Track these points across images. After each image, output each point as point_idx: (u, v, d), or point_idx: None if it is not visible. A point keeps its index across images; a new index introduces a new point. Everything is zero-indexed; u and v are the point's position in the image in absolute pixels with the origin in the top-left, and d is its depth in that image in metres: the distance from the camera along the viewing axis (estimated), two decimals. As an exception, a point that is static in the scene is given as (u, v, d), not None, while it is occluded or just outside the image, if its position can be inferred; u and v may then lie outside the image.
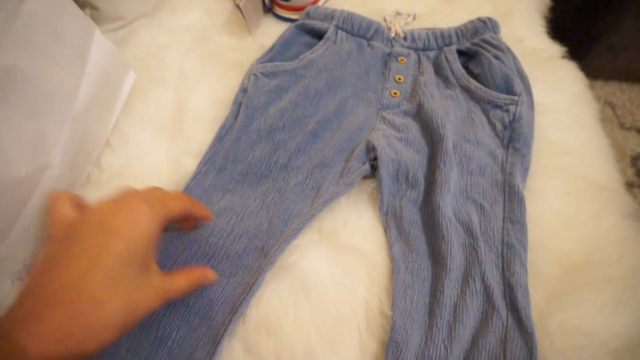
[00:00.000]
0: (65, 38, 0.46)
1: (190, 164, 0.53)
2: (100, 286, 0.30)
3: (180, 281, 0.37)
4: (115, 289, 0.31)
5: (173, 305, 0.43)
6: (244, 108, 0.55)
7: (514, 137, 0.53)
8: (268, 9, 0.70)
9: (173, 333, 0.41)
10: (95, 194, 0.50)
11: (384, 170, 0.50)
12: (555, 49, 0.66)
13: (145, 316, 0.33)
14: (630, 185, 1.17)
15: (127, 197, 0.34)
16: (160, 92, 0.59)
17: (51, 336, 0.28)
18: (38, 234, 0.43)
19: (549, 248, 0.46)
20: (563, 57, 0.65)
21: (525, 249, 0.45)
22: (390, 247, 0.47)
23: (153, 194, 0.36)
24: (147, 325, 0.42)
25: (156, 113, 0.57)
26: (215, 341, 0.41)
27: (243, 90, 0.57)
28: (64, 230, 0.33)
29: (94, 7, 0.64)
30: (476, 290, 0.43)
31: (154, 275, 0.35)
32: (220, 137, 0.54)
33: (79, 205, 0.36)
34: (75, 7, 0.49)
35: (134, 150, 0.54)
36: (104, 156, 0.53)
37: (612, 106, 1.31)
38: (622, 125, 1.28)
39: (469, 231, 0.47)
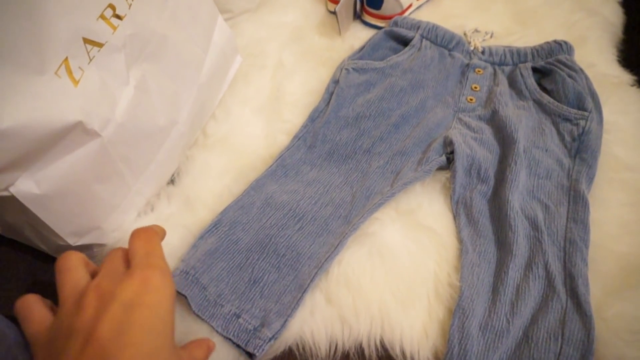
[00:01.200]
0: (200, 18, 0.54)
1: (284, 140, 0.59)
2: None
3: (200, 354, 0.36)
4: None
5: (266, 253, 0.49)
6: (335, 96, 0.62)
7: (581, 148, 0.57)
8: (358, 16, 0.77)
9: (265, 276, 0.48)
10: (202, 154, 0.57)
11: (459, 163, 0.55)
12: (625, 77, 0.69)
13: None
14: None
15: (133, 269, 0.31)
16: (260, 77, 0.67)
17: None
18: (161, 179, 0.51)
19: (609, 249, 0.50)
20: (632, 85, 0.69)
21: (587, 246, 0.49)
22: (459, 231, 0.52)
23: (147, 255, 0.33)
24: (243, 267, 0.48)
25: (256, 94, 0.65)
26: (302, 289, 0.47)
27: (335, 81, 0.64)
28: (75, 301, 0.30)
29: (209, -1, 0.72)
30: (539, 275, 0.47)
31: (181, 351, 0.34)
32: (312, 118, 0.61)
33: (90, 268, 0.35)
34: (207, -5, 0.57)
35: (235, 122, 0.61)
36: (209, 125, 0.61)
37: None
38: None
39: (534, 224, 0.51)
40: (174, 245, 0.48)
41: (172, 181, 0.55)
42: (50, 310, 0.32)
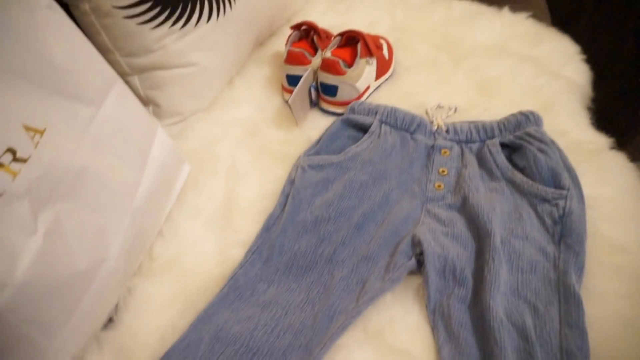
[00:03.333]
0: (132, 137, 0.51)
1: (237, 255, 0.54)
2: None
3: None
4: None
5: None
6: (291, 199, 0.57)
7: (565, 232, 0.52)
8: (315, 104, 0.74)
9: None
10: (145, 284, 0.52)
11: (431, 265, 0.50)
12: (601, 140, 0.65)
13: None
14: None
15: None
16: (211, 183, 0.62)
17: None
18: (90, 328, 0.45)
19: (612, 357, 0.43)
20: (611, 148, 0.65)
21: (587, 357, 0.42)
22: (439, 349, 0.46)
23: None
24: None
25: (207, 204, 0.60)
26: None
27: (290, 182, 0.60)
28: None
29: (156, 105, 0.69)
30: (535, 403, 0.40)
31: None
32: (267, 227, 0.56)
33: None
34: (142, 109, 0.54)
35: (184, 240, 0.56)
36: (156, 246, 0.56)
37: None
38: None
39: (523, 334, 0.44)
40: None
41: (110, 320, 0.49)
42: None
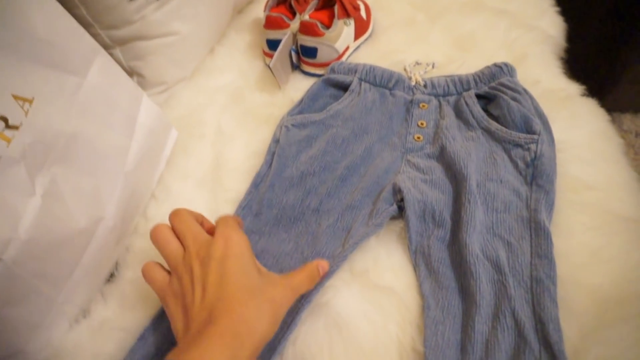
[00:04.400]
0: (118, 105, 0.52)
1: (228, 211, 0.57)
2: (241, 294, 0.37)
3: (300, 276, 0.43)
4: (252, 292, 0.38)
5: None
6: (277, 157, 0.59)
7: (536, 174, 0.54)
8: (296, 67, 0.76)
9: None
10: (141, 241, 0.54)
11: (411, 210, 0.53)
12: (573, 88, 0.68)
13: (285, 309, 0.40)
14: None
15: (216, 234, 0.41)
16: (199, 147, 0.64)
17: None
18: (94, 281, 0.48)
19: (579, 283, 0.47)
20: (582, 95, 0.67)
21: (554, 283, 0.46)
22: (420, 284, 0.49)
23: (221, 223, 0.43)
24: None
25: (196, 166, 0.62)
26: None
27: (275, 141, 0.62)
28: (183, 267, 0.40)
29: (140, 75, 0.71)
30: (507, 326, 0.44)
31: (272, 276, 0.43)
32: (256, 184, 0.58)
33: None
34: (126, 77, 0.55)
35: (177, 200, 0.59)
36: (150, 207, 0.58)
37: (645, 137, 1.30)
38: (657, 157, 1.26)
39: (497, 267, 0.48)
40: (110, 354, 0.44)
41: (112, 276, 0.52)
42: (167, 272, 0.43)
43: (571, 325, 0.44)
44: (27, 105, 0.41)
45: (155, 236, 0.43)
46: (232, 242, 0.40)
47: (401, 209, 0.54)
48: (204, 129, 0.67)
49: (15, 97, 0.40)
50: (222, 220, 0.44)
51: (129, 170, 0.52)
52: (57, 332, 0.44)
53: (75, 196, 0.44)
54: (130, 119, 0.54)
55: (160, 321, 0.46)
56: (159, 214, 0.57)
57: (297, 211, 0.55)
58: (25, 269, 0.38)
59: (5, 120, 0.39)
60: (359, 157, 0.59)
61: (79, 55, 0.48)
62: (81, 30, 0.50)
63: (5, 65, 0.40)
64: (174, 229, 0.43)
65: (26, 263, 0.38)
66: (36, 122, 0.41)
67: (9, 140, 0.39)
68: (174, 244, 0.42)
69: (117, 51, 0.69)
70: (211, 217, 0.56)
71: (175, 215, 0.44)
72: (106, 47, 0.67)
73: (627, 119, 1.34)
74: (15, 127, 0.40)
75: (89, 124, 0.47)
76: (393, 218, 0.54)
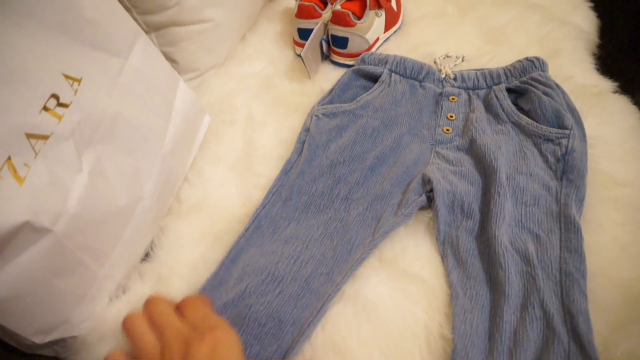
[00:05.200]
0: (157, 88, 0.54)
1: (259, 196, 0.58)
2: None
3: None
4: None
5: (246, 325, 0.46)
6: (307, 145, 0.60)
7: (567, 169, 0.55)
8: (326, 57, 0.76)
9: (247, 350, 0.45)
10: (175, 223, 0.56)
11: (440, 201, 0.53)
12: (605, 84, 0.67)
13: None
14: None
15: (201, 333, 0.35)
16: (231, 133, 0.66)
17: None
18: (132, 258, 0.49)
19: (608, 277, 0.47)
20: (614, 92, 0.67)
21: (584, 277, 0.46)
22: (448, 274, 0.50)
23: (206, 318, 0.38)
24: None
25: (228, 151, 0.64)
26: (286, 359, 0.44)
27: (306, 129, 0.63)
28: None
29: (174, 61, 0.72)
30: (535, 317, 0.44)
31: None
32: (286, 171, 0.59)
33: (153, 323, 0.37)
34: (164, 62, 0.57)
35: (209, 184, 0.60)
36: (183, 190, 0.60)
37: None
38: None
39: (525, 259, 0.48)
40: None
41: (147, 255, 0.54)
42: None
43: (600, 319, 0.44)
44: (76, 84, 0.43)
45: (128, 325, 0.37)
46: (220, 345, 0.35)
47: (430, 200, 0.54)
48: (234, 115, 0.68)
49: (66, 77, 0.42)
50: (198, 313, 0.39)
51: (166, 152, 0.53)
52: (99, 305, 0.46)
53: (117, 175, 0.46)
54: (168, 103, 0.55)
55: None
56: (192, 197, 0.59)
57: (327, 199, 0.56)
58: (73, 242, 0.40)
59: (57, 98, 0.40)
60: (389, 148, 0.60)
61: (122, 38, 0.49)
62: (124, 12, 0.51)
63: (56, 44, 0.42)
64: (152, 320, 0.37)
65: (74, 236, 0.40)
66: (84, 101, 0.43)
67: (60, 118, 0.40)
68: (149, 337, 0.36)
69: (152, 36, 0.70)
70: (242, 203, 0.58)
71: (152, 304, 0.39)
72: (142, 32, 0.68)
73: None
74: (66, 105, 0.41)
75: (131, 106, 0.49)
76: (422, 208, 0.55)
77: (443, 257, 0.51)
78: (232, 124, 0.67)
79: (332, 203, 0.56)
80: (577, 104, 0.60)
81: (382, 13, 0.75)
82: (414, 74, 0.67)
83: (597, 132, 0.59)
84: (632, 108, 0.65)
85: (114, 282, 0.48)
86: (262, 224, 0.55)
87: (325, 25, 0.74)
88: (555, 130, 0.57)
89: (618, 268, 0.48)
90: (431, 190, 0.54)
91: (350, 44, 0.72)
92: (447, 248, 0.51)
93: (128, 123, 0.48)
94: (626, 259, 0.48)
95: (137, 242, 0.50)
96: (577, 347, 0.41)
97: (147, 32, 0.69)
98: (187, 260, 0.52)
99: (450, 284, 0.49)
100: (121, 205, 0.46)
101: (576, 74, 0.67)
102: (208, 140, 0.64)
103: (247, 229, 0.54)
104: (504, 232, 0.50)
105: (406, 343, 0.45)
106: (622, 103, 0.65)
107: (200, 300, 0.41)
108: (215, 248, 0.53)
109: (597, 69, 0.71)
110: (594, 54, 0.76)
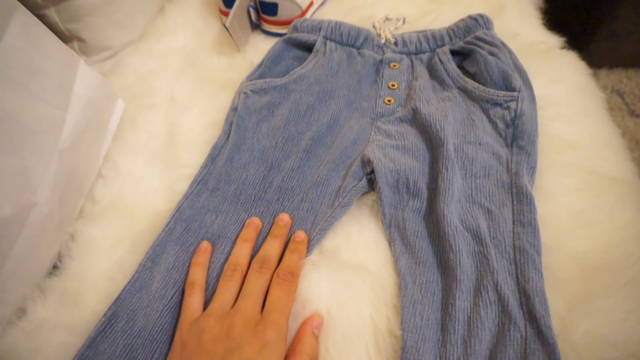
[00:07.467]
0: (47, 71, 0.45)
1: (184, 188, 0.51)
2: None
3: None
4: None
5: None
6: (235, 127, 0.54)
7: (517, 134, 0.51)
8: (256, 26, 0.69)
9: None
10: (88, 227, 0.49)
11: (383, 182, 0.48)
12: (553, 40, 0.64)
13: None
14: (646, 174, 1.12)
15: (261, 327, 0.37)
16: (150, 118, 0.58)
17: None
18: (30, 276, 0.42)
19: (564, 250, 0.44)
20: (562, 48, 0.63)
21: (539, 252, 0.42)
22: (395, 261, 0.45)
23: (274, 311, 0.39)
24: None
25: (148, 140, 0.56)
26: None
27: (233, 109, 0.56)
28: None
29: (81, 40, 0.63)
30: (490, 301, 0.40)
31: None
32: (213, 157, 0.53)
33: None
34: (56, 40, 0.48)
35: (127, 179, 0.53)
36: (96, 188, 0.52)
37: (621, 94, 1.28)
38: (632, 113, 1.25)
39: (477, 238, 0.44)
40: (52, 358, 0.39)
41: (55, 268, 0.46)
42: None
43: (557, 296, 0.40)
44: None
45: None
46: (267, 348, 0.36)
47: (372, 182, 0.49)
48: (154, 98, 0.60)
49: None
50: (280, 301, 0.40)
51: (64, 147, 0.45)
52: (-13, 336, 0.39)
53: (-4, 181, 0.38)
54: (64, 88, 0.47)
55: (112, 322, 0.41)
56: (108, 195, 0.52)
57: (259, 188, 0.50)
58: None
59: None
60: (325, 126, 0.54)
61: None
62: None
63: None
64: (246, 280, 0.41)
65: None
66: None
67: None
68: (236, 288, 0.41)
69: (52, 12, 0.61)
70: (166, 198, 0.51)
71: (260, 272, 0.42)
72: (38, 8, 0.59)
73: (603, 75, 1.32)
74: None
75: (12, 95, 0.41)
76: (365, 193, 0.50)
77: (390, 242, 0.47)
78: (152, 107, 0.59)
79: (265, 193, 0.50)
80: (525, 62, 0.56)
81: (315, -26, 0.68)
82: (351, 40, 0.61)
83: (546, 91, 0.55)
84: (581, 64, 0.62)
85: (9, 306, 0.41)
86: (186, 217, 0.48)
87: (252, -10, 0.66)
88: (503, 93, 0.53)
89: (573, 239, 0.44)
90: (372, 172, 0.49)
91: (280, 10, 0.65)
92: (394, 232, 0.47)
93: (7, 115, 0.40)
94: (581, 227, 0.45)
95: (35, 255, 0.43)
96: (534, 332, 0.38)
97: (45, 7, 0.60)
98: (101, 270, 0.45)
99: (398, 272, 0.44)
100: (5, 215, 0.38)
101: (522, 31, 0.63)
102: (124, 129, 0.56)
103: (168, 224, 0.47)
104: (453, 210, 0.46)
105: (352, 344, 0.40)
106: (571, 58, 0.62)
107: (293, 286, 0.42)
108: (134, 255, 0.46)
109: (544, 24, 0.67)
110: (540, 8, 0.71)
